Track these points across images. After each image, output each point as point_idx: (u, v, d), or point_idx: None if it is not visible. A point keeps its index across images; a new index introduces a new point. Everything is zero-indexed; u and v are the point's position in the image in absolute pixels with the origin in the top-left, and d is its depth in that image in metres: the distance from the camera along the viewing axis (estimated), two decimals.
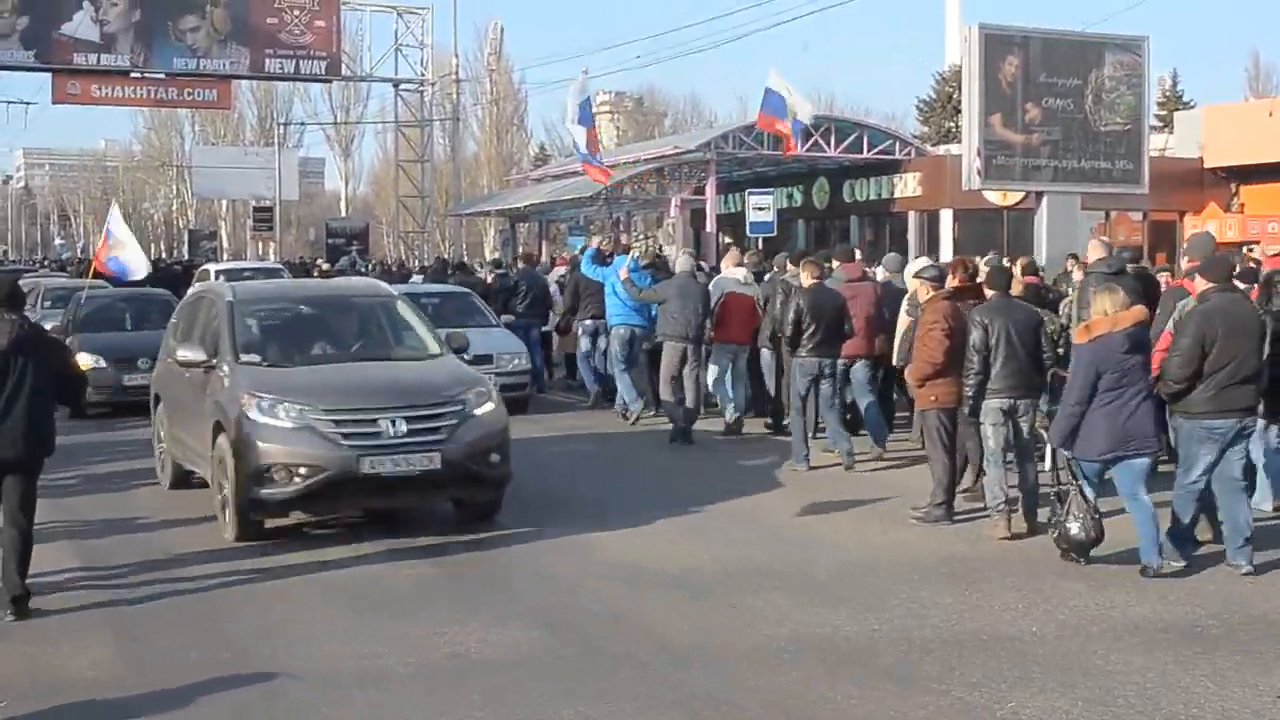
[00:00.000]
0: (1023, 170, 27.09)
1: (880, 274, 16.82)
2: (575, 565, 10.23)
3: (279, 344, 12.23)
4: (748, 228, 31.40)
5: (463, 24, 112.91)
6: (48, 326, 16.33)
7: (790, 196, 42.51)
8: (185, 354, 12.01)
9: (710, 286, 16.77)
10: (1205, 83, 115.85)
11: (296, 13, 45.32)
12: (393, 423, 10.69)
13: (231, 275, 30.78)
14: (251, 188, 70.72)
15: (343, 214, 74.72)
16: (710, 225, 39.43)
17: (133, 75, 44.25)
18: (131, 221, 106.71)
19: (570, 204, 44.67)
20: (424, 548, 10.77)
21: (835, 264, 15.80)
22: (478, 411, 11.21)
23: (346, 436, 10.65)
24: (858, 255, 17.08)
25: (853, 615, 8.73)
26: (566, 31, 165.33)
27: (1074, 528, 9.78)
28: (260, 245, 76.61)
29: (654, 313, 16.98)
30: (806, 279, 14.32)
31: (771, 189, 34.93)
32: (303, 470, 10.58)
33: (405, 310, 13.07)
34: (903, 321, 13.67)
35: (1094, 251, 14.31)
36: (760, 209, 31.06)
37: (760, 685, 7.44)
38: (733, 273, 16.98)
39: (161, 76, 44.73)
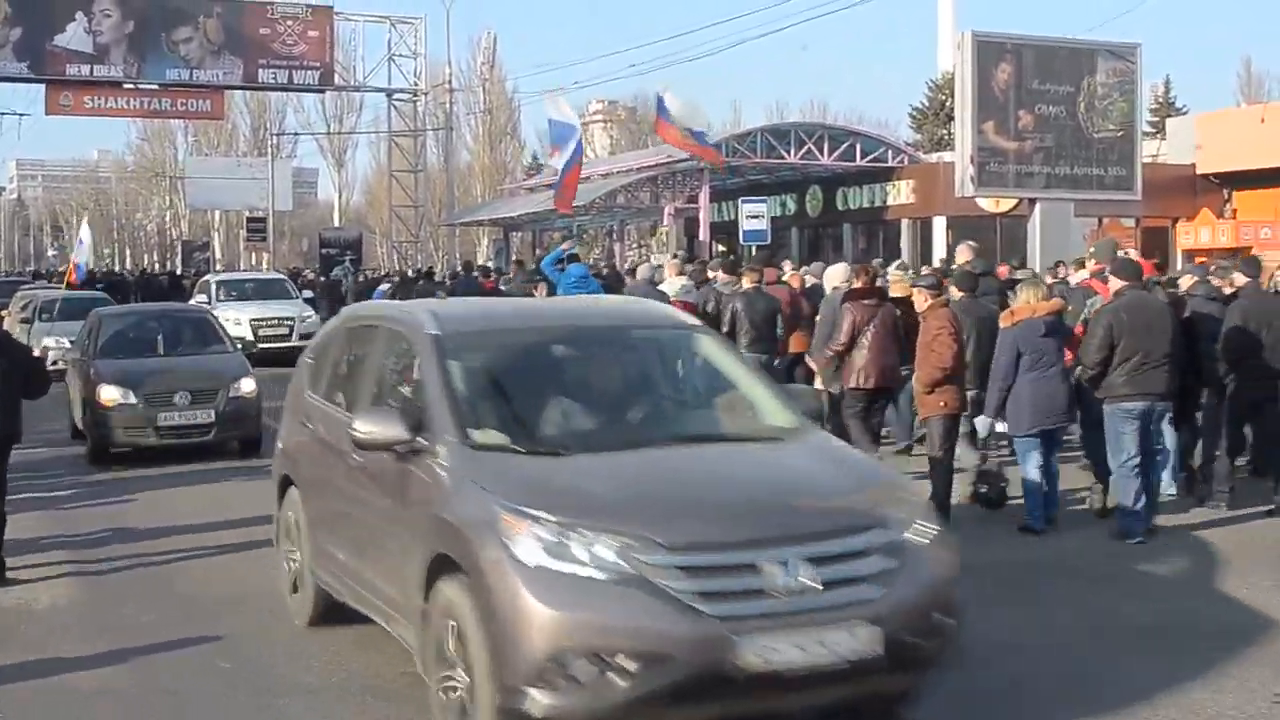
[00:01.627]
0: (1016, 177, 27.15)
1: (809, 279, 17.73)
2: None
3: (535, 412, 7.26)
4: (741, 236, 31.43)
5: (456, 34, 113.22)
6: (46, 341, 16.76)
7: (784, 204, 42.59)
8: (369, 428, 7.05)
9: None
10: (1198, 89, 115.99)
11: (289, 23, 45.39)
12: (785, 566, 5.88)
13: (232, 286, 31.02)
14: (245, 198, 70.74)
15: (336, 224, 74.77)
16: (704, 233, 39.50)
17: (126, 86, 44.36)
18: (125, 232, 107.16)
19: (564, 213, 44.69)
20: None
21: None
22: (915, 538, 6.36)
23: (707, 596, 5.79)
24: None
25: None
26: (559, 41, 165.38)
27: (985, 489, 11.56)
28: (254, 255, 76.61)
29: None
30: (747, 283, 15.27)
31: (765, 197, 35.02)
32: (628, 662, 5.68)
33: (714, 349, 8.25)
34: (820, 321, 14.78)
35: (962, 255, 15.98)
36: (754, 217, 31.09)
37: None
38: (672, 282, 17.35)
39: (154, 87, 44.84)
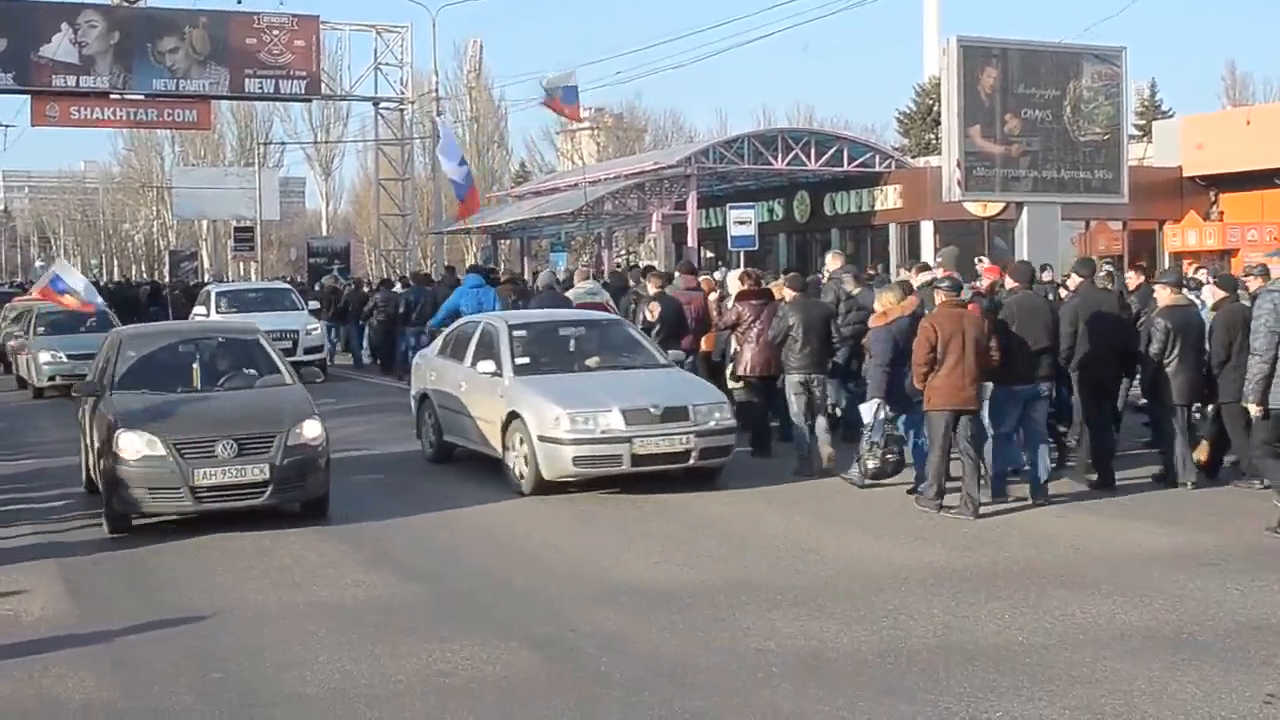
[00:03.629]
0: (1003, 181, 27.18)
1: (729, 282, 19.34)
2: (562, 584, 10.23)
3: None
4: (729, 242, 31.47)
5: (442, 42, 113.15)
6: (43, 357, 16.37)
7: (771, 210, 42.63)
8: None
9: (569, 296, 19.86)
10: (1183, 92, 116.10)
11: (275, 33, 45.32)
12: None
13: (233, 297, 29.25)
14: (232, 208, 70.72)
15: (324, 233, 74.79)
16: (692, 240, 39.52)
17: (112, 96, 44.25)
18: (112, 242, 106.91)
19: (552, 220, 44.72)
20: (411, 569, 10.75)
21: (677, 275, 19.56)
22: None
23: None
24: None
25: (840, 627, 8.74)
26: (546, 49, 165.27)
27: (872, 464, 13.07)
28: (241, 265, 76.51)
29: None
30: (652, 288, 18.11)
31: (752, 203, 35.03)
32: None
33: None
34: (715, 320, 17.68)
35: (834, 261, 18.34)
36: (741, 223, 31.13)
37: (750, 700, 7.44)
38: (581, 285, 20.48)
39: (141, 97, 44.72)
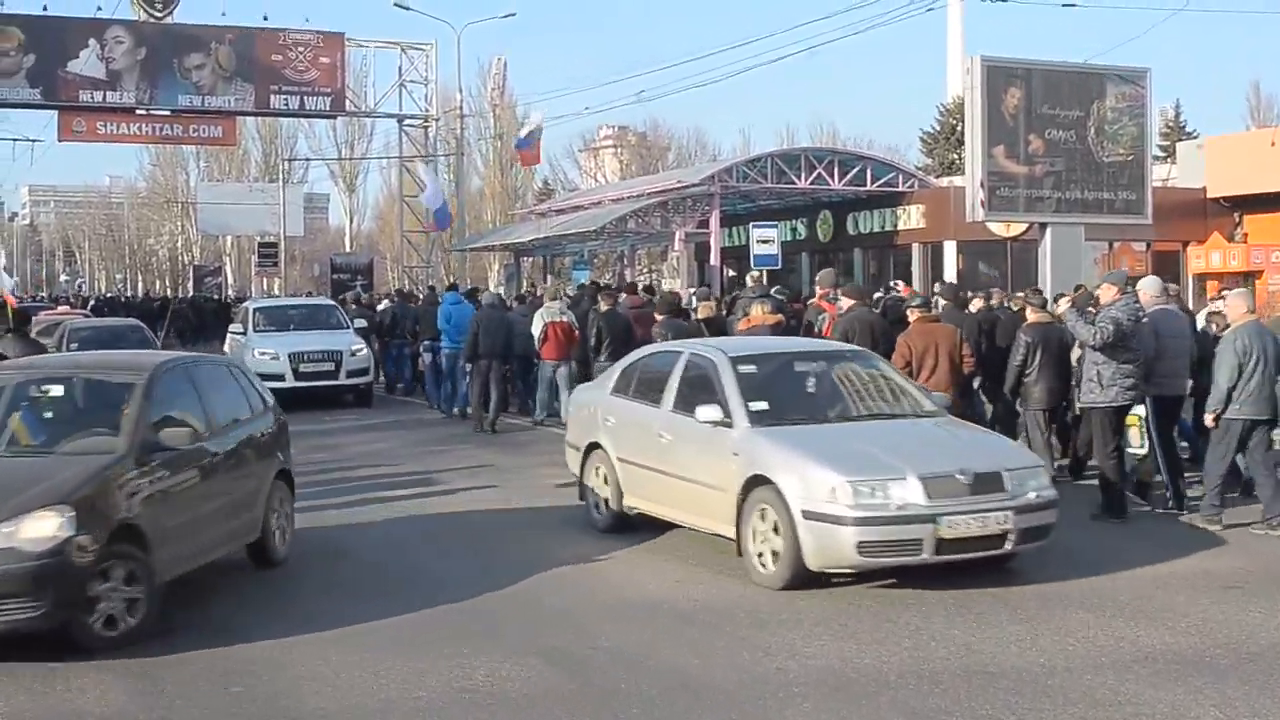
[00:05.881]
0: (1026, 201, 27.09)
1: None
2: (582, 600, 10.24)
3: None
4: (751, 260, 31.45)
5: (466, 60, 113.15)
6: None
7: (794, 229, 42.60)
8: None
9: (536, 315, 21.11)
10: (1207, 113, 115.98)
11: (301, 49, 45.53)
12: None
13: (273, 314, 27.41)
14: (256, 223, 71.05)
15: (347, 249, 75.01)
16: (714, 258, 39.50)
17: (138, 112, 44.53)
18: (136, 257, 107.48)
19: (575, 238, 44.75)
20: (438, 584, 10.77)
21: (623, 296, 21.35)
22: None
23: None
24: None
25: (861, 647, 8.72)
26: (570, 67, 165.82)
27: None
28: (265, 281, 76.77)
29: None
30: (603, 306, 19.40)
31: (775, 222, 35.01)
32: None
33: None
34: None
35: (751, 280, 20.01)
36: (764, 242, 31.11)
37: (770, 719, 7.43)
38: (551, 305, 21.20)
39: (167, 113, 44.99)
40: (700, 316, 18.68)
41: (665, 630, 9.26)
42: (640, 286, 26.84)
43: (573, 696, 7.93)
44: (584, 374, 19.88)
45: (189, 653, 8.87)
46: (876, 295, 20.62)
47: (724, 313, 20.04)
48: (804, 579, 10.08)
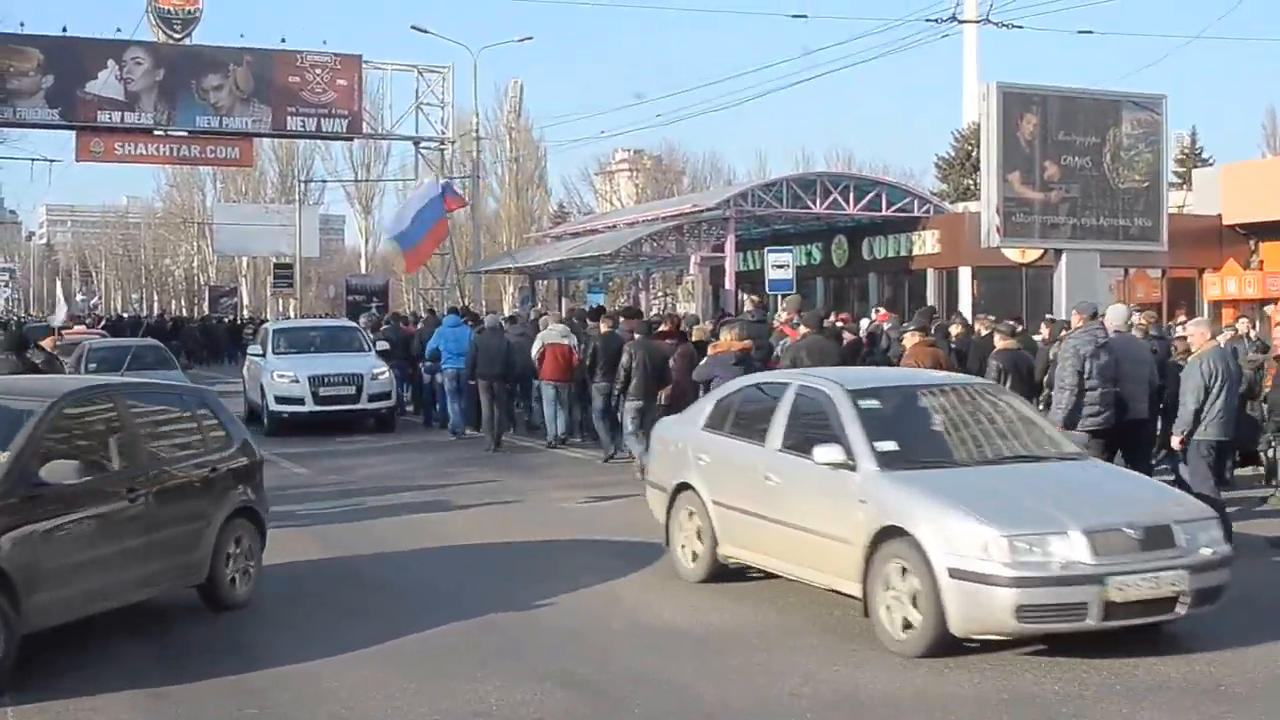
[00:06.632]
0: (1041, 228, 27.13)
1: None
2: (595, 622, 10.24)
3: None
4: (767, 285, 31.47)
5: (483, 83, 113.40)
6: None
7: (809, 254, 42.65)
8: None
9: (538, 337, 21.52)
10: (1223, 140, 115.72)
11: (318, 71, 45.67)
12: None
13: (293, 336, 26.71)
14: (272, 244, 71.18)
15: (363, 271, 75.12)
16: (729, 283, 39.56)
17: (156, 133, 44.66)
18: (153, 277, 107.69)
19: (590, 261, 44.82)
20: (452, 605, 10.78)
21: (622, 320, 21.28)
22: None
23: None
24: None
25: (876, 673, 8.71)
26: (586, 90, 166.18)
27: None
28: (280, 302, 76.92)
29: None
30: (603, 328, 20.14)
31: (790, 246, 35.06)
32: None
33: None
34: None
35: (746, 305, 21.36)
36: (779, 266, 31.11)
37: None
38: (554, 328, 21.60)
39: (184, 134, 45.12)
40: (695, 339, 19.09)
41: (679, 653, 9.26)
42: (653, 314, 28.37)
43: (586, 719, 7.92)
44: (581, 395, 20.90)
45: (203, 674, 8.88)
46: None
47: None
48: (946, 646, 8.90)
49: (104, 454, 9.58)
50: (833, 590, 10.00)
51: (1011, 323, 17.57)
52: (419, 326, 28.23)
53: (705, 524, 11.33)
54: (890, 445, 9.83)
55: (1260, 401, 15.47)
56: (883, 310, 24.98)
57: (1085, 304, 14.89)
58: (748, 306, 23.92)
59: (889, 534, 9.20)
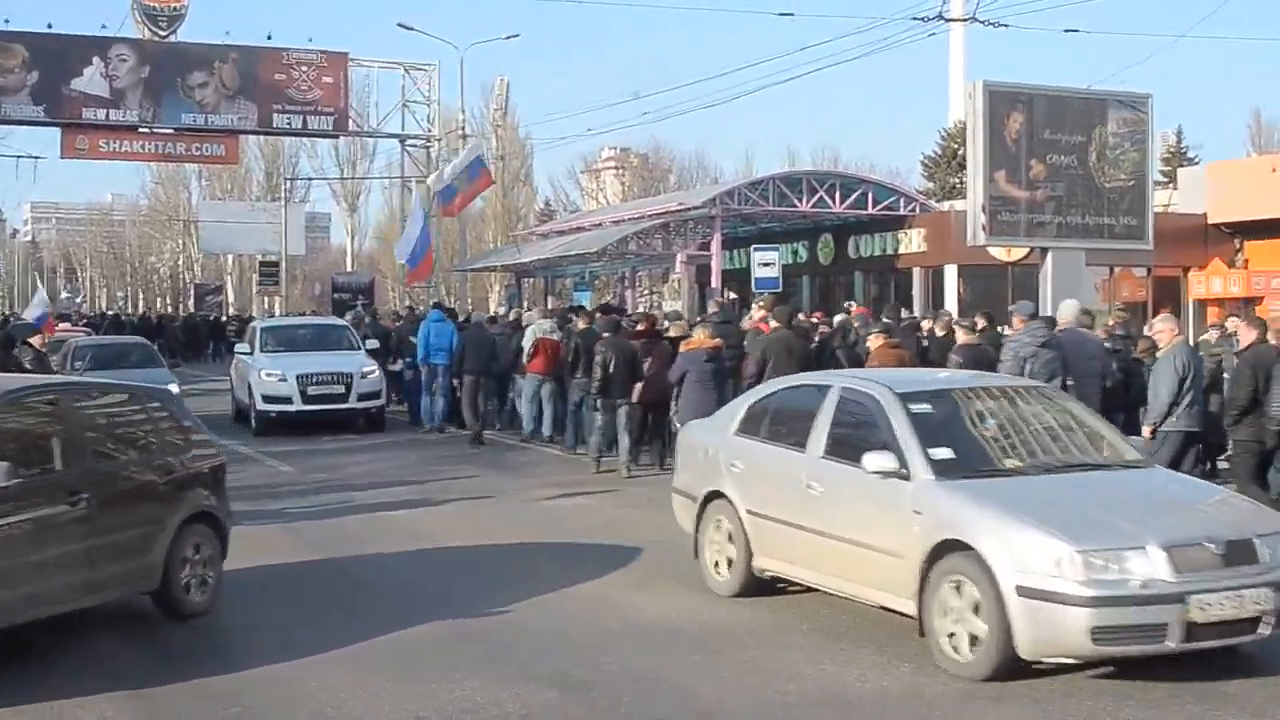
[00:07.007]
0: (1027, 226, 27.11)
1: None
2: (585, 622, 10.22)
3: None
4: (753, 283, 31.48)
5: (469, 80, 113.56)
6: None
7: (795, 252, 42.65)
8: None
9: (528, 330, 21.90)
10: (1208, 139, 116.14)
11: (304, 69, 45.61)
12: None
13: (281, 334, 26.36)
14: (258, 242, 71.11)
15: (349, 268, 74.97)
16: (715, 281, 39.54)
17: (141, 130, 44.57)
18: (138, 275, 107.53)
19: (576, 259, 44.80)
20: (436, 605, 10.75)
21: (599, 316, 21.99)
22: None
23: None
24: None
25: (865, 670, 8.71)
26: (572, 89, 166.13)
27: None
28: (266, 300, 76.78)
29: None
30: (581, 324, 20.59)
31: (776, 245, 35.06)
32: None
33: None
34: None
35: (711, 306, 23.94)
36: (765, 265, 31.14)
37: None
38: (544, 323, 22.09)
39: (170, 132, 45.07)
40: (672, 335, 19.33)
41: (670, 652, 9.24)
42: (629, 312, 28.58)
43: (576, 719, 7.91)
44: (560, 390, 21.11)
45: (186, 674, 8.86)
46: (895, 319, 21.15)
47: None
48: (1013, 669, 8.34)
49: (43, 456, 9.30)
50: (882, 608, 9.49)
51: (973, 319, 17.69)
52: (398, 324, 28.39)
53: (738, 534, 10.73)
54: (946, 452, 9.30)
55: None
56: (856, 305, 25.56)
57: (1024, 304, 15.52)
58: (711, 307, 24.25)
59: (948, 548, 8.63)
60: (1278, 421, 12.77)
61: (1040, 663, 8.41)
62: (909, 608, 8.94)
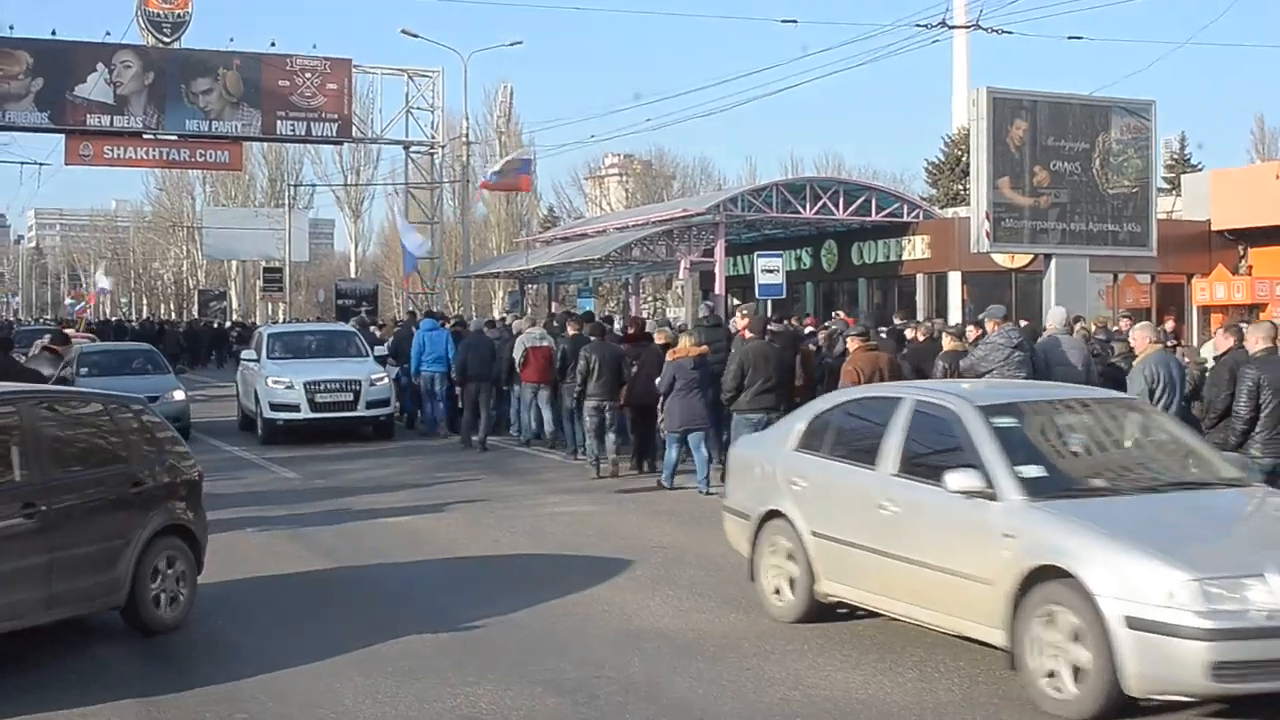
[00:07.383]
0: (1031, 233, 27.15)
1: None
2: (586, 629, 10.23)
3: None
4: (756, 290, 31.46)
5: (473, 87, 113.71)
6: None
7: (799, 259, 42.65)
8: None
9: (518, 340, 21.82)
10: (1212, 146, 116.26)
11: (308, 75, 45.68)
12: None
13: (288, 340, 26.07)
14: (261, 249, 71.15)
15: (352, 275, 75.06)
16: (719, 287, 39.52)
17: (145, 137, 44.64)
18: (142, 281, 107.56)
19: (579, 266, 44.80)
20: (439, 611, 10.75)
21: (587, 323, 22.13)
22: None
23: None
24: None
25: (866, 678, 8.71)
26: (576, 95, 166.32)
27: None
28: (269, 306, 76.82)
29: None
30: (571, 331, 20.76)
31: (780, 251, 34.98)
32: None
33: None
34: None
35: (701, 310, 22.07)
36: (769, 271, 31.08)
37: None
38: (532, 331, 21.94)
39: (173, 138, 45.14)
40: (660, 343, 18.99)
41: (670, 659, 9.25)
42: (615, 320, 28.32)
43: None
44: (554, 396, 21.18)
45: (192, 681, 8.86)
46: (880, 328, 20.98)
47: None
48: (1119, 707, 7.63)
49: None
50: (965, 638, 8.86)
51: (961, 325, 17.93)
52: (395, 330, 28.67)
53: (801, 557, 10.03)
54: (1037, 470, 8.62)
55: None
56: (843, 313, 25.81)
57: (995, 308, 16.00)
58: (702, 310, 24.27)
59: (1044, 574, 7.93)
60: (1243, 422, 12.47)
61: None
62: (997, 638, 8.32)
